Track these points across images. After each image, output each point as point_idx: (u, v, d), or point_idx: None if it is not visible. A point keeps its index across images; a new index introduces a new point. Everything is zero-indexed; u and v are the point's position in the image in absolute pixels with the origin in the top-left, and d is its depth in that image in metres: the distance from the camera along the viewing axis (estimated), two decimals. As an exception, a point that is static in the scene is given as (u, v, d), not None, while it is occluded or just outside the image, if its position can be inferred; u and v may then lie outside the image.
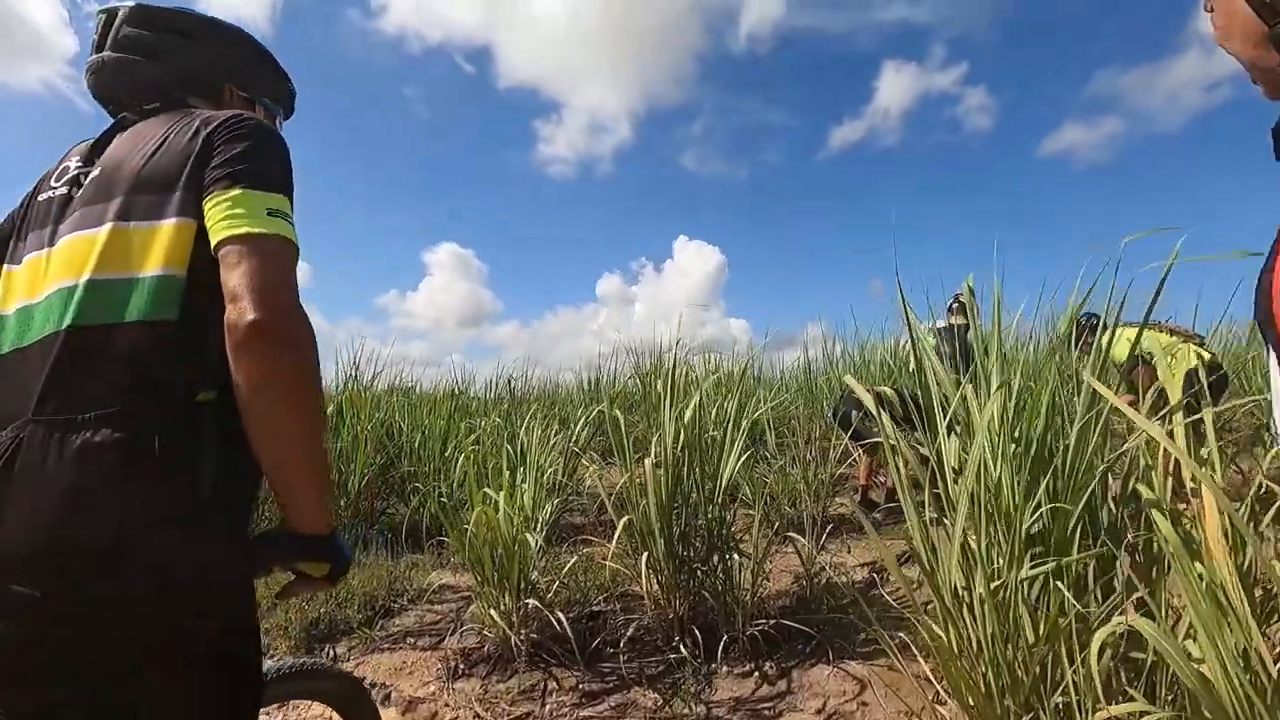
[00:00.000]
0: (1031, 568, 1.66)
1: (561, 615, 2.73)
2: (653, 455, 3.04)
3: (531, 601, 2.78)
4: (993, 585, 1.71)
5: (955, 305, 5.04)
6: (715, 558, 2.99)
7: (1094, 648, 1.42)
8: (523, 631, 2.83)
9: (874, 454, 4.91)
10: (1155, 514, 1.44)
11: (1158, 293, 1.75)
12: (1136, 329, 3.96)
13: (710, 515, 2.97)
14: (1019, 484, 1.90)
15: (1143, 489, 1.54)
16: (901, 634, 2.82)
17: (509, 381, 5.64)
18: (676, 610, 2.93)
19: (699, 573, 2.98)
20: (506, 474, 3.32)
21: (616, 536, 2.93)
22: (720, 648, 2.79)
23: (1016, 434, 1.90)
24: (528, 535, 2.77)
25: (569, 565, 3.14)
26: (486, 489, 2.84)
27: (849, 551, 4.10)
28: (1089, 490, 1.75)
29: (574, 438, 4.76)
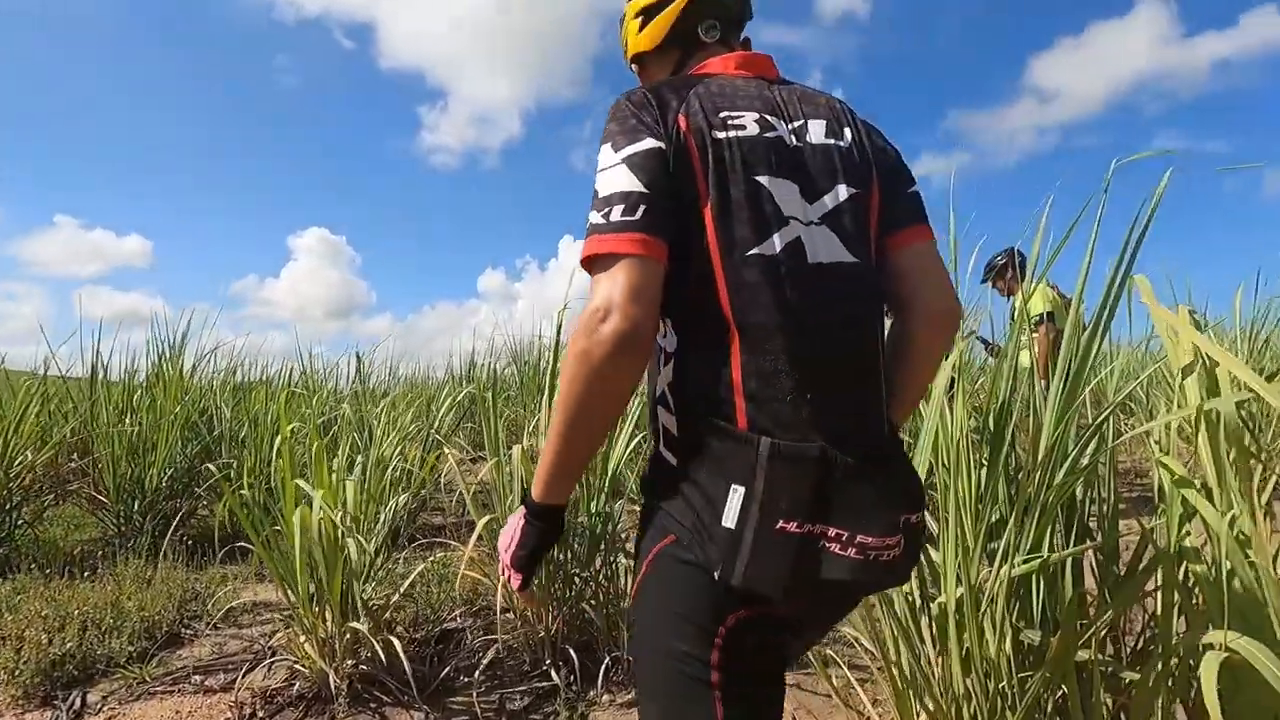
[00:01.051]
0: (1014, 567, 1.28)
1: (398, 640, 2.11)
2: (524, 444, 2.51)
3: (358, 625, 2.14)
4: (964, 589, 1.32)
5: None
6: (598, 562, 2.49)
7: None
8: (347, 663, 2.19)
9: None
10: (1191, 496, 1.09)
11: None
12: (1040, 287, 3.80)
13: (592, 512, 2.46)
14: (974, 463, 1.53)
15: (1166, 466, 1.19)
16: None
17: (357, 357, 4.81)
18: (548, 627, 2.40)
19: (577, 580, 2.47)
20: (342, 463, 2.65)
21: (475, 538, 2.36)
22: (601, 672, 2.29)
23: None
24: (352, 540, 2.13)
25: (414, 575, 2.52)
26: (300, 482, 2.17)
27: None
28: (1064, 469, 1.40)
29: (435, 424, 4.09)
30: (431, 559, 2.73)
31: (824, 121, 0.92)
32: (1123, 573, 1.40)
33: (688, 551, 0.79)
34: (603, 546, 2.47)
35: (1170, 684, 1.12)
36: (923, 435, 1.48)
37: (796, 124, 0.91)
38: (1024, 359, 4.38)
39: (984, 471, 1.55)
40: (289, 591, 2.20)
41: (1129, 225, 1.35)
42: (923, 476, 1.51)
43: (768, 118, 0.88)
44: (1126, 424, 4.71)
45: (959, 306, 0.97)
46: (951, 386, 1.48)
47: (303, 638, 2.19)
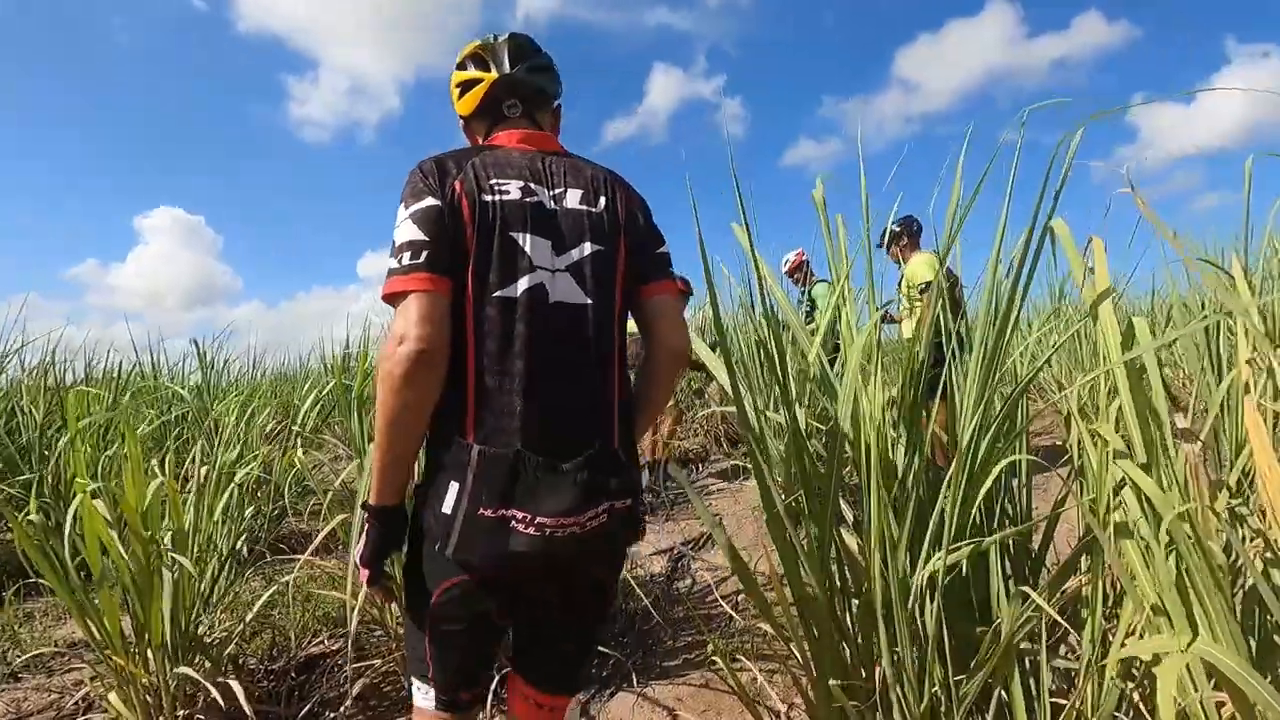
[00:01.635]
0: (948, 553, 1.15)
1: (237, 684, 1.77)
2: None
3: (187, 670, 1.77)
4: (891, 581, 1.18)
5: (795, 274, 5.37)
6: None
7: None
8: (179, 714, 1.82)
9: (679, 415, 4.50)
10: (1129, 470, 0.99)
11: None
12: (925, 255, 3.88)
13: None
14: (899, 439, 1.41)
15: (1099, 434, 1.09)
16: (705, 637, 2.35)
17: (196, 346, 4.18)
18: (429, 646, 2.12)
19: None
20: (169, 471, 2.22)
21: (356, 549, 2.03)
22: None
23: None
24: (180, 563, 1.76)
25: (264, 598, 2.15)
26: (93, 489, 1.76)
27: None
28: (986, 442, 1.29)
29: (300, 420, 3.63)
30: (287, 576, 2.36)
31: (581, 191, 1.14)
32: (1045, 558, 1.32)
33: (430, 533, 1.01)
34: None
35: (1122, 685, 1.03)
36: (841, 415, 1.34)
37: (557, 191, 1.13)
38: (907, 330, 4.57)
39: (901, 450, 1.43)
40: (94, 630, 1.79)
41: (1045, 170, 1.25)
42: (846, 461, 1.36)
43: (531, 185, 1.10)
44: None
45: (686, 345, 1.19)
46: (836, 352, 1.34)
47: (116, 689, 1.80)
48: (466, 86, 1.22)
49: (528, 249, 1.04)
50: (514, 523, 0.96)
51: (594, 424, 1.05)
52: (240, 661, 2.23)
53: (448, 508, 0.98)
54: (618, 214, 1.14)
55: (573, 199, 1.12)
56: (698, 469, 5.09)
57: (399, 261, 0.99)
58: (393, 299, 0.99)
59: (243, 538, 2.32)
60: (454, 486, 0.98)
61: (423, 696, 1.11)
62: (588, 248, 1.09)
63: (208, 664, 1.89)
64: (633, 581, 2.69)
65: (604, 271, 1.10)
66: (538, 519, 0.96)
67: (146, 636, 1.78)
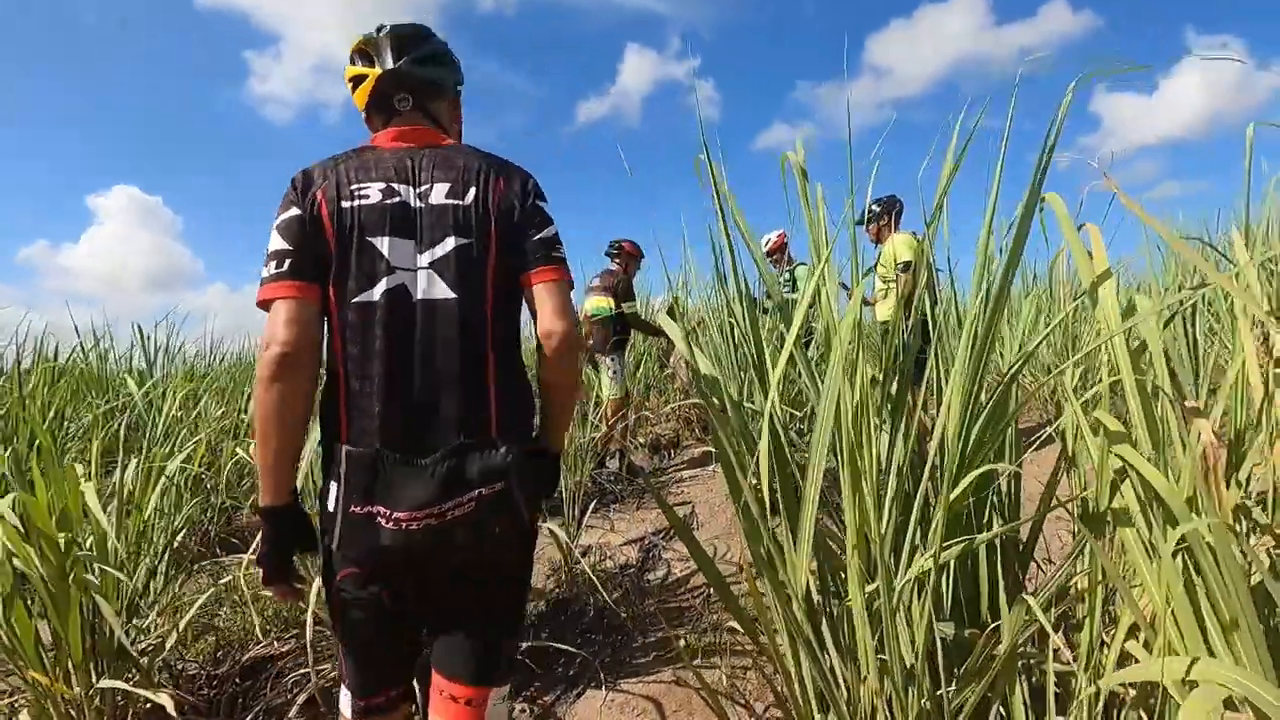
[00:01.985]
0: (939, 552, 1.05)
1: (167, 698, 1.62)
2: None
3: (115, 682, 1.62)
4: (880, 583, 1.08)
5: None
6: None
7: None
8: (105, 730, 1.67)
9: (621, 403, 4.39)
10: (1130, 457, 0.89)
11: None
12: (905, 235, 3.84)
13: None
14: (882, 425, 1.32)
15: (1102, 422, 0.99)
16: (681, 630, 2.26)
17: (139, 331, 3.92)
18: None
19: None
20: (94, 467, 2.04)
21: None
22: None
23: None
24: (110, 570, 1.60)
25: (201, 600, 1.99)
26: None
27: (612, 528, 3.47)
28: (977, 430, 1.19)
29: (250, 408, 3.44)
30: (228, 577, 2.20)
31: (449, 185, 1.12)
32: (1034, 549, 1.23)
33: (324, 529, 1.07)
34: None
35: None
36: (823, 406, 1.23)
37: (423, 188, 1.12)
38: (882, 311, 4.51)
39: (885, 439, 1.34)
40: (5, 642, 1.63)
41: (1042, 141, 1.15)
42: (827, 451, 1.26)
43: (394, 186, 1.11)
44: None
45: (566, 329, 1.11)
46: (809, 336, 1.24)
47: (31, 706, 1.64)
48: (356, 82, 1.22)
49: (385, 251, 1.07)
50: (379, 518, 1.01)
51: (463, 418, 1.06)
52: (178, 669, 2.08)
53: (331, 505, 1.05)
54: (489, 205, 1.12)
55: (439, 194, 1.12)
56: (669, 455, 4.99)
57: (268, 271, 1.05)
58: (264, 305, 1.05)
59: (179, 534, 2.15)
60: (334, 486, 1.04)
61: (345, 703, 1.15)
62: (451, 243, 1.09)
63: (135, 676, 1.74)
64: (595, 574, 2.58)
65: (470, 266, 1.10)
66: (394, 514, 1.00)
67: (65, 647, 1.62)
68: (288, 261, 1.05)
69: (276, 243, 1.06)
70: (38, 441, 1.74)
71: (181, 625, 1.87)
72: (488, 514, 1.04)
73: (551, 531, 2.61)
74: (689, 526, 3.38)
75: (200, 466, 2.78)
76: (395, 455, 1.01)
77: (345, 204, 1.08)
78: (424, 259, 1.08)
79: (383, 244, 1.07)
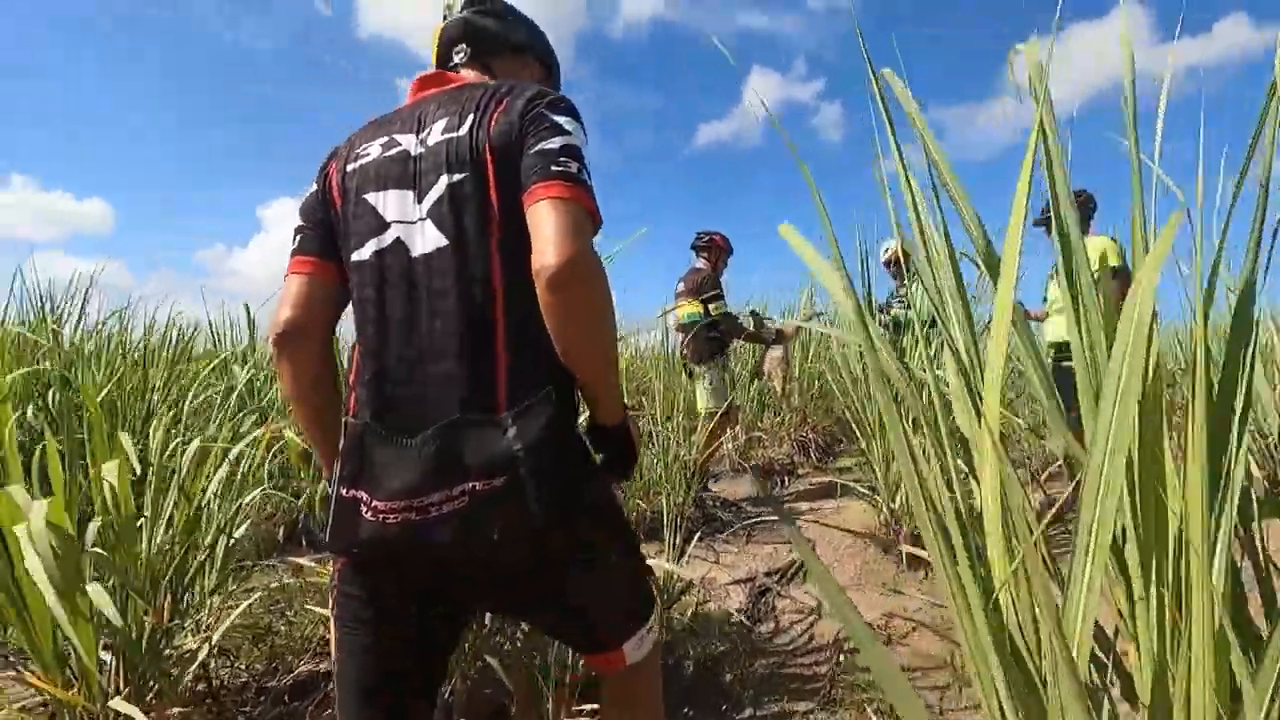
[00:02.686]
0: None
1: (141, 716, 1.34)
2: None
3: (123, 705, 1.37)
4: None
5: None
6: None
7: None
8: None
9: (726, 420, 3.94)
10: None
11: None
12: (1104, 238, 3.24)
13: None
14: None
15: None
16: (805, 707, 1.77)
17: (246, 309, 3.83)
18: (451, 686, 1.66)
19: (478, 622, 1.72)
20: (156, 444, 1.85)
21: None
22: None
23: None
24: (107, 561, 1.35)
25: (242, 607, 1.73)
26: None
27: (717, 561, 3.02)
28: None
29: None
30: (285, 579, 1.95)
31: (447, 118, 0.96)
32: None
33: None
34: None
35: None
36: (1098, 433, 0.75)
37: (425, 131, 0.97)
38: (1051, 330, 3.82)
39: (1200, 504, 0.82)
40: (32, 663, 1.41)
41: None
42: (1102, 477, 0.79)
43: (396, 137, 0.98)
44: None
45: (563, 258, 0.82)
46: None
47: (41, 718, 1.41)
48: (432, 37, 1.17)
49: (380, 206, 0.95)
50: (361, 505, 0.86)
51: (462, 386, 0.87)
52: (225, 680, 1.84)
53: (331, 487, 0.91)
54: (486, 128, 0.93)
55: (437, 132, 0.96)
56: (782, 483, 4.46)
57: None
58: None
59: (240, 525, 1.92)
60: (337, 465, 0.91)
61: None
62: (443, 182, 0.92)
63: (163, 690, 1.49)
64: (698, 619, 2.15)
65: (465, 204, 0.91)
66: (374, 502, 0.84)
67: (77, 655, 1.39)
68: (298, 238, 1.02)
69: (295, 221, 1.03)
70: (87, 417, 1.53)
71: (216, 636, 1.61)
72: (482, 512, 0.82)
73: (648, 563, 2.21)
74: (815, 571, 2.87)
75: (274, 454, 2.60)
76: (380, 431, 0.87)
77: (349, 167, 0.99)
78: (421, 209, 0.93)
79: (378, 199, 0.95)
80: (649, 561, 2.22)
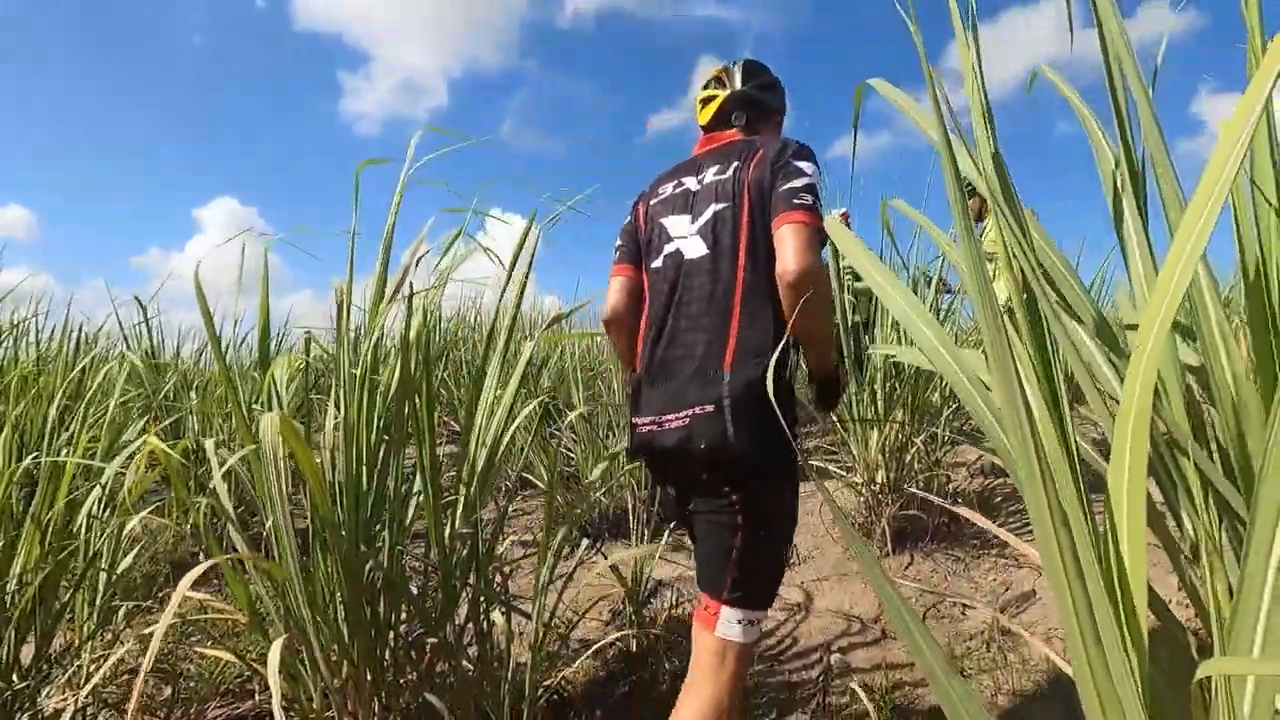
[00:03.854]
0: None
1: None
2: (332, 412, 1.47)
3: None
4: None
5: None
6: (460, 615, 1.47)
7: None
8: None
9: None
10: None
11: None
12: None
13: (447, 539, 1.44)
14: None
15: None
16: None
17: (138, 301, 3.41)
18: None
19: (417, 650, 1.45)
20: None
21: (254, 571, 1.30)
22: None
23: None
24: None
25: (104, 669, 1.42)
26: None
27: (690, 558, 2.79)
28: None
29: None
30: (153, 627, 1.64)
31: (717, 165, 1.38)
32: None
33: None
34: (469, 587, 1.46)
35: None
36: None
37: (702, 175, 1.40)
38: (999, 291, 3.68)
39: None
40: None
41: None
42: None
43: (683, 180, 1.43)
44: None
45: (799, 268, 1.18)
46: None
47: None
48: (706, 101, 1.51)
49: (669, 227, 1.39)
50: (637, 425, 1.32)
51: (703, 352, 1.23)
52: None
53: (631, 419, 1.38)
54: (746, 170, 1.31)
55: (711, 174, 1.37)
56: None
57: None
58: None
59: (128, 557, 1.60)
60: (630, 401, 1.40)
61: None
62: (712, 209, 1.32)
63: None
64: (672, 624, 1.91)
65: (725, 225, 1.30)
66: (636, 420, 1.32)
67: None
68: (618, 252, 1.49)
69: (617, 240, 1.51)
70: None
71: (86, 690, 1.30)
72: (697, 428, 1.19)
73: (614, 568, 1.96)
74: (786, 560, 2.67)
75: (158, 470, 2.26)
76: (649, 378, 1.32)
77: (653, 202, 1.45)
78: (694, 227, 1.34)
79: (668, 221, 1.40)
80: (614, 560, 1.99)
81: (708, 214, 1.32)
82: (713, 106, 1.47)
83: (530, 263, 1.60)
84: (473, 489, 1.50)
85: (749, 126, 1.46)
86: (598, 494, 2.93)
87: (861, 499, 2.75)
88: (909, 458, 2.64)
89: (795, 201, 1.21)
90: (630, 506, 2.80)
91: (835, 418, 3.05)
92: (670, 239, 1.35)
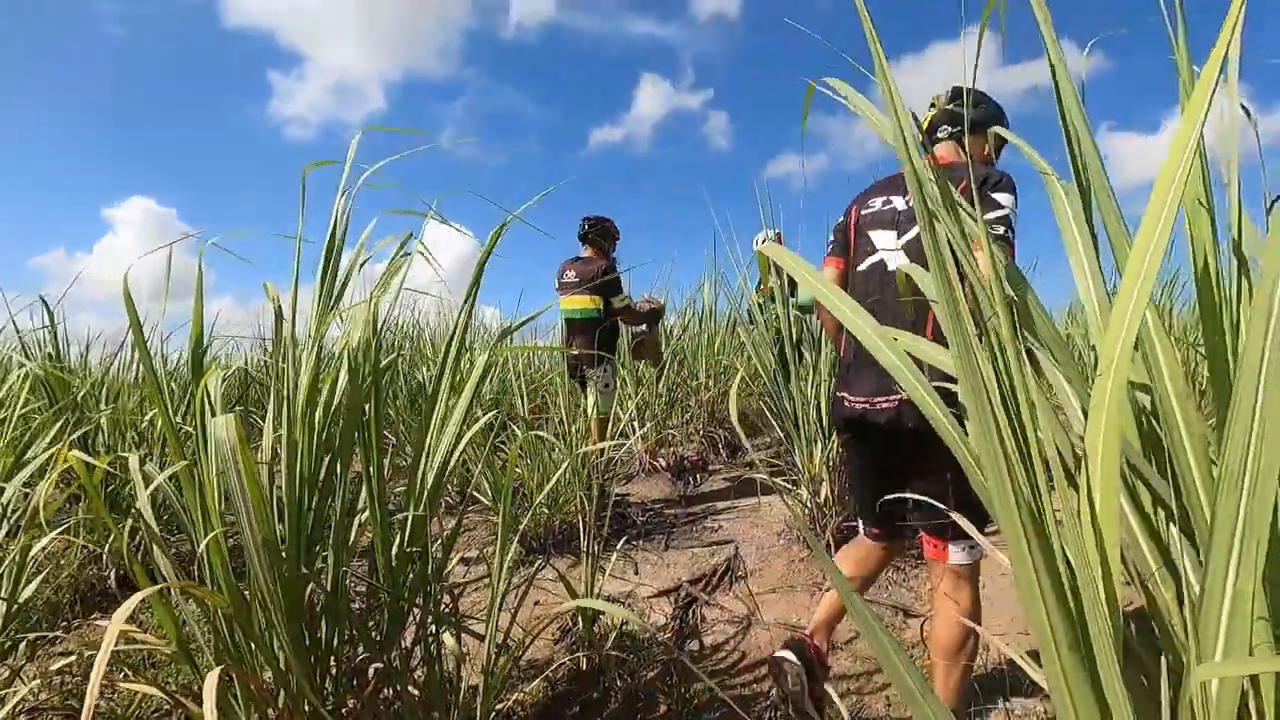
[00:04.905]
0: None
1: None
2: (271, 421, 1.39)
3: None
4: None
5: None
6: (407, 639, 1.41)
7: None
8: None
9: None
10: None
11: None
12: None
13: (394, 556, 1.38)
14: None
15: None
16: None
17: (44, 300, 3.13)
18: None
19: (360, 677, 1.37)
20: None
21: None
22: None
23: None
24: None
25: (21, 694, 1.30)
26: None
27: (636, 572, 2.77)
28: None
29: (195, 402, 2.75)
30: (60, 661, 1.49)
31: None
32: None
33: None
34: (418, 604, 1.39)
35: None
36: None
37: (906, 197, 1.63)
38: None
39: None
40: None
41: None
42: None
43: (890, 197, 1.67)
44: None
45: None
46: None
47: None
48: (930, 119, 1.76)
49: (875, 239, 1.64)
50: (844, 399, 1.62)
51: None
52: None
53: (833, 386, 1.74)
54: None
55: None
56: (695, 481, 4.26)
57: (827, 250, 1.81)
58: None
59: (32, 584, 1.46)
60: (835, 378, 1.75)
61: (860, 526, 1.76)
62: (915, 230, 1.56)
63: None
64: (622, 641, 1.88)
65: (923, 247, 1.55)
66: (845, 396, 1.61)
67: None
68: (832, 245, 1.77)
69: (830, 237, 1.80)
70: None
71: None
72: (906, 411, 1.48)
73: (561, 577, 1.92)
74: (730, 572, 2.68)
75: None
76: (858, 365, 1.59)
77: (863, 211, 1.70)
78: (898, 243, 1.60)
79: (874, 234, 1.65)
80: (566, 578, 1.95)
81: (911, 234, 1.58)
82: (926, 118, 1.71)
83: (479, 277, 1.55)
84: (422, 505, 1.44)
85: (954, 140, 1.68)
86: (544, 509, 2.88)
87: (806, 511, 2.80)
88: (851, 470, 2.70)
89: (989, 232, 1.38)
90: (580, 521, 2.76)
91: (782, 432, 3.10)
92: (875, 250, 1.62)
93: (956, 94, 1.70)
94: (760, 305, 4.49)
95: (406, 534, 1.43)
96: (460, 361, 1.52)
